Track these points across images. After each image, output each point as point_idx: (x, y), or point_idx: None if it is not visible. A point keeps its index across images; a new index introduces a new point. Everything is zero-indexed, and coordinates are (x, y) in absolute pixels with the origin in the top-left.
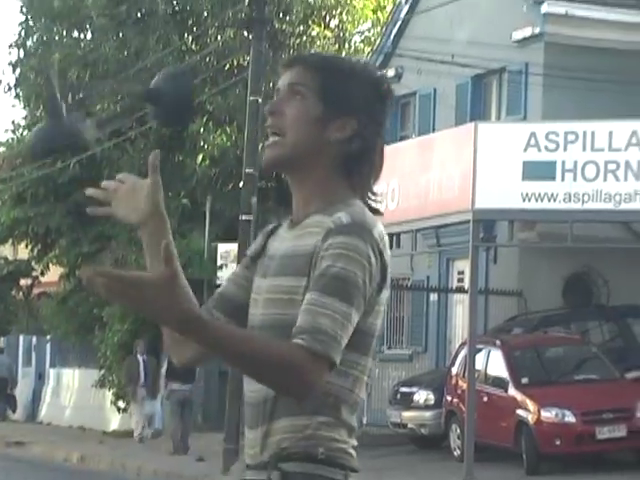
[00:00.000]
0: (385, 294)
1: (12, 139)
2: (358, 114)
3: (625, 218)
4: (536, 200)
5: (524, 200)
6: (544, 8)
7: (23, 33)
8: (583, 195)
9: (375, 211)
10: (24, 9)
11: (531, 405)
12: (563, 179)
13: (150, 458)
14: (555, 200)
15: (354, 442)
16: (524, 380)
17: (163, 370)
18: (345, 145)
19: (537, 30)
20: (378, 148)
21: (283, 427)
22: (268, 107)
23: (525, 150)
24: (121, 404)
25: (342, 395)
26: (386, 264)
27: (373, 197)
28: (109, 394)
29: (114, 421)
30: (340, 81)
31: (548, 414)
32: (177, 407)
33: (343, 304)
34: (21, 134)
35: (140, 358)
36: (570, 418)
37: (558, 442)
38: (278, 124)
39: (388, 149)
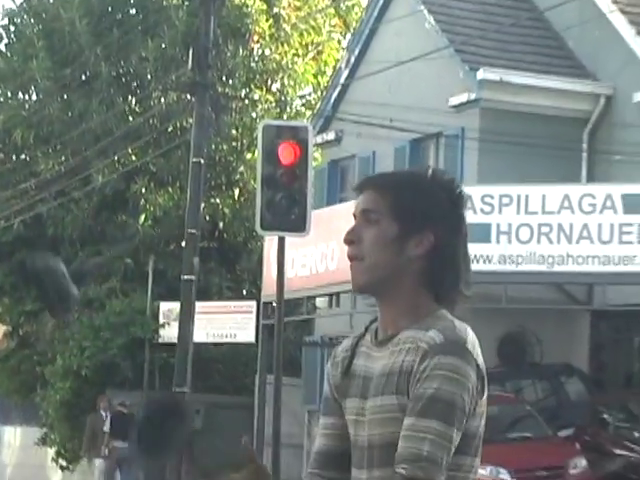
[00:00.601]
0: (484, 396)
1: None
2: (434, 226)
3: (558, 280)
4: (473, 262)
5: None
6: (480, 75)
7: None
8: (517, 257)
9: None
10: None
11: None
12: (498, 241)
13: None
14: (490, 262)
15: None
16: None
17: (106, 428)
18: (426, 259)
19: (473, 96)
20: (461, 253)
21: None
22: (346, 236)
23: None
24: (63, 462)
25: None
26: (482, 371)
27: (455, 299)
28: (51, 452)
29: (55, 479)
30: (411, 198)
31: (483, 472)
32: (116, 464)
33: (443, 425)
34: None
35: (103, 414)
36: (504, 476)
37: None
38: (358, 251)
39: (327, 211)
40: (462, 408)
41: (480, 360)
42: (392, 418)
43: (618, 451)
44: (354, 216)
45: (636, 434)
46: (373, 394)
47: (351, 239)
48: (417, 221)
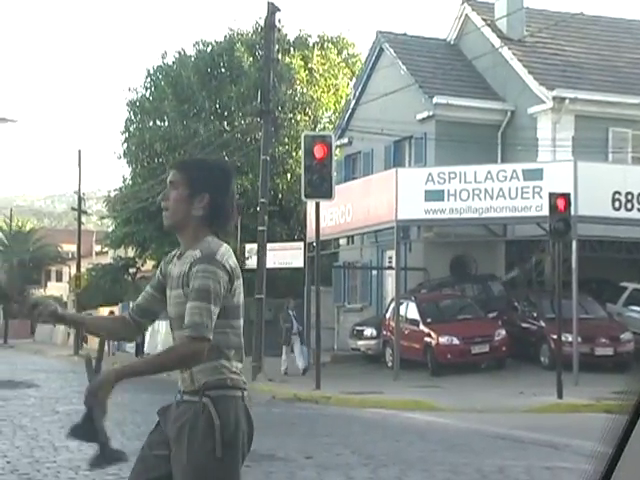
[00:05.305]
0: (236, 283)
1: (122, 187)
2: (210, 191)
3: (485, 222)
4: (433, 213)
5: (426, 213)
6: (435, 99)
7: (128, 124)
8: (460, 209)
9: (225, 240)
10: (130, 111)
11: (433, 334)
12: (448, 200)
13: None
14: (444, 213)
15: (240, 365)
16: (428, 320)
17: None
18: (205, 210)
19: (431, 113)
20: (228, 207)
21: (200, 370)
22: (161, 197)
23: (426, 183)
24: None
25: (227, 345)
26: (229, 271)
27: (228, 232)
28: None
29: None
30: (197, 173)
31: (443, 339)
32: None
33: (204, 304)
34: (127, 184)
35: (291, 312)
36: (456, 341)
37: (449, 356)
38: (166, 206)
39: (344, 186)
40: (216, 292)
41: (229, 264)
42: (180, 302)
43: (524, 325)
44: (169, 183)
45: (534, 314)
46: (172, 288)
47: (163, 198)
48: (199, 187)
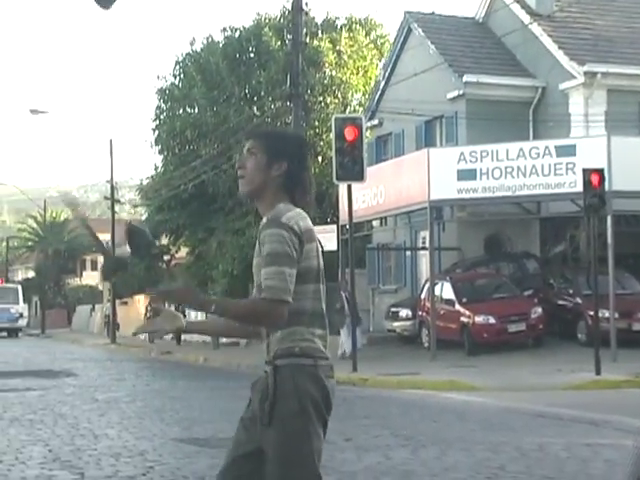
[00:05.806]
0: (308, 246)
1: (154, 175)
2: (288, 159)
3: (519, 200)
4: (466, 192)
5: (459, 193)
6: (464, 78)
7: (158, 112)
8: (493, 188)
9: (306, 210)
10: (160, 99)
11: (469, 314)
12: (481, 179)
13: (244, 357)
14: (477, 192)
15: (320, 331)
16: (464, 300)
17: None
18: (283, 177)
19: (461, 92)
20: (305, 176)
21: (276, 338)
22: (237, 163)
23: (458, 163)
24: None
25: (302, 310)
26: (298, 233)
27: (307, 202)
28: None
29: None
30: (275, 142)
31: (479, 319)
32: None
33: (277, 267)
34: (159, 172)
35: (343, 294)
36: (492, 320)
37: (485, 335)
38: (243, 173)
39: (375, 167)
40: (287, 254)
41: (298, 226)
42: (258, 271)
43: (560, 302)
44: (243, 151)
45: (570, 291)
46: (254, 257)
47: (240, 165)
48: (277, 155)
